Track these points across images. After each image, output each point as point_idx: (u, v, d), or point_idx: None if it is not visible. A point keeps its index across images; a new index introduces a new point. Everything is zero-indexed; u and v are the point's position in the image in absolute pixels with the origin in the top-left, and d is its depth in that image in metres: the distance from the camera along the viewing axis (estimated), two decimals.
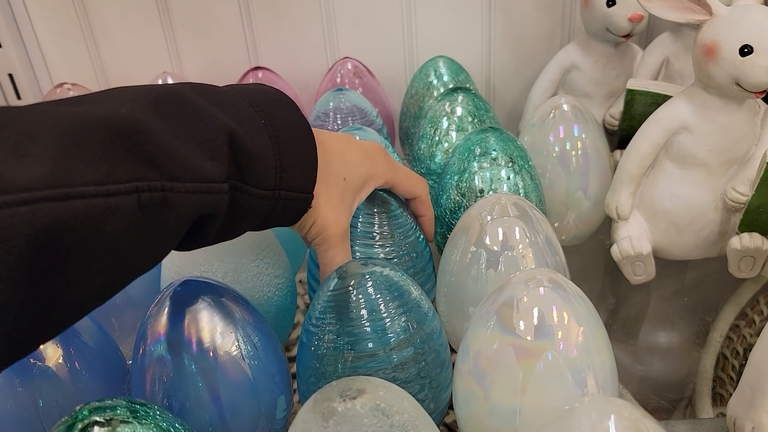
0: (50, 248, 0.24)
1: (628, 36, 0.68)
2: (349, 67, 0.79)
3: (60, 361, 0.40)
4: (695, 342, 0.56)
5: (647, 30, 0.80)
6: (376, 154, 0.45)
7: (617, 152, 0.69)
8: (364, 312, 0.39)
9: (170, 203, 0.29)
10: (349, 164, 0.42)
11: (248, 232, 0.39)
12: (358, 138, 0.56)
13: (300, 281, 0.67)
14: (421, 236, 0.52)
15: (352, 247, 0.47)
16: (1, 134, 0.24)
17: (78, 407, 0.31)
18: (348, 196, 0.43)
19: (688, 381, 0.52)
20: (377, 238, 0.48)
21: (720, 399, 0.50)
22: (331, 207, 0.41)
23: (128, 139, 0.28)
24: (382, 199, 0.49)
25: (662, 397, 0.51)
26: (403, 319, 0.39)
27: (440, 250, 0.54)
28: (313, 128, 0.40)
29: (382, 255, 0.48)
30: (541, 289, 0.36)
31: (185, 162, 0.30)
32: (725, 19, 0.49)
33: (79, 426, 0.30)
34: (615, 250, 0.58)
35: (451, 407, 0.42)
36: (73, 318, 0.28)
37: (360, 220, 0.48)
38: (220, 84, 0.38)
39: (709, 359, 0.54)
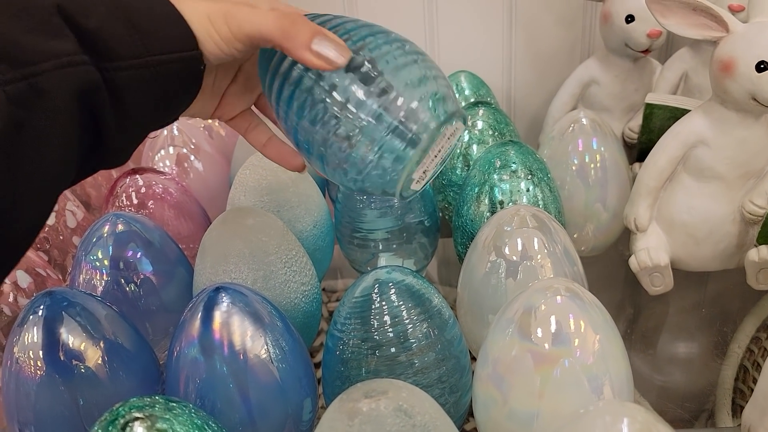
0: None
1: (646, 51, 0.69)
2: None
3: (99, 362, 0.42)
4: (714, 354, 0.56)
5: (666, 45, 0.81)
6: None
7: (636, 165, 0.70)
8: (387, 318, 0.40)
9: (39, 89, 0.28)
10: None
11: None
12: None
13: (324, 289, 0.69)
14: None
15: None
16: None
17: (118, 404, 0.33)
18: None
19: (708, 392, 0.53)
20: None
21: (740, 411, 0.50)
22: (243, 4, 0.35)
23: None
24: None
25: (682, 409, 0.51)
26: (424, 326, 0.41)
27: (461, 260, 0.56)
28: None
29: None
30: (559, 297, 0.38)
31: (31, 47, 0.29)
32: (742, 36, 0.50)
33: (121, 421, 0.32)
34: (633, 261, 0.59)
35: (470, 414, 0.43)
36: (18, 236, 0.28)
37: None
38: None
39: (730, 371, 0.55)
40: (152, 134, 0.68)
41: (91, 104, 0.31)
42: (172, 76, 0.33)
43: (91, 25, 0.31)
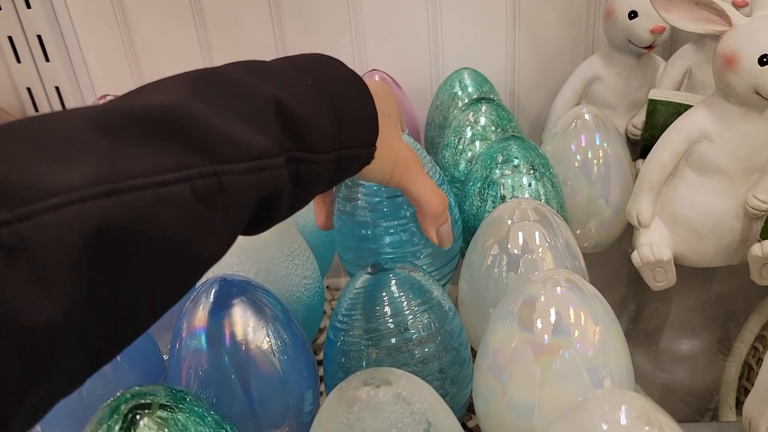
0: (105, 247, 0.23)
1: (650, 47, 0.69)
2: (377, 79, 0.81)
3: None
4: (719, 351, 0.56)
5: (670, 41, 0.81)
6: (388, 88, 0.44)
7: (639, 162, 0.70)
8: (387, 309, 0.41)
9: (226, 188, 0.27)
10: (384, 101, 0.41)
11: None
12: None
13: (327, 287, 0.69)
14: None
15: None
16: (43, 142, 0.24)
17: (119, 393, 0.34)
18: (398, 130, 0.42)
19: (712, 391, 0.52)
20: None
21: None
22: (396, 140, 0.40)
23: (169, 127, 0.27)
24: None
25: (686, 404, 0.51)
26: (425, 317, 0.41)
27: (462, 254, 0.56)
28: None
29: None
30: (559, 288, 0.38)
31: (234, 141, 0.28)
32: (745, 30, 0.50)
33: (123, 408, 0.32)
34: (636, 257, 0.59)
35: (472, 411, 0.43)
36: (147, 319, 0.27)
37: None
38: None
39: (734, 368, 0.54)
40: None
41: (270, 205, 0.31)
42: (346, 168, 0.36)
43: (303, 114, 0.32)
